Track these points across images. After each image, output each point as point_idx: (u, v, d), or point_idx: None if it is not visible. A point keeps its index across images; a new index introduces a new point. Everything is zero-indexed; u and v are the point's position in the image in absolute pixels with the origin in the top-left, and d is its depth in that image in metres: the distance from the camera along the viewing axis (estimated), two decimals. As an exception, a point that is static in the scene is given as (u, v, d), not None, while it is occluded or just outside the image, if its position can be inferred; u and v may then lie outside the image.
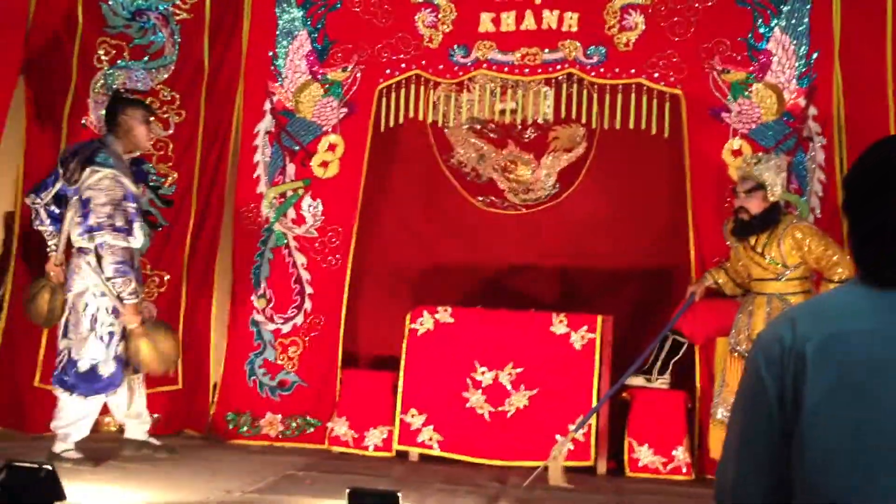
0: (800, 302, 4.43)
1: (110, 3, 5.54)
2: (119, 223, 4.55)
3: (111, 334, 4.60)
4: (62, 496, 3.32)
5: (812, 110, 5.21)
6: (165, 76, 5.59)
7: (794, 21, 5.24)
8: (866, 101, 5.11)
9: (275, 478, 4.43)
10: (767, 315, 4.59)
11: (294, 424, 5.45)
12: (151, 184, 5.44)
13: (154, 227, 5.30)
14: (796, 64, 5.24)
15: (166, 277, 5.53)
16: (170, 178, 5.57)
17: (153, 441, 4.88)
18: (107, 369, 4.59)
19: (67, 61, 5.44)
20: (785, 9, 5.25)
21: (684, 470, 4.92)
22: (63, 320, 4.66)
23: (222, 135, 5.68)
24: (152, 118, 5.02)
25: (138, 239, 4.65)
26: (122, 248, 4.57)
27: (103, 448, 4.79)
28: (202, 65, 5.65)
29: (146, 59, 5.57)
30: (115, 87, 5.46)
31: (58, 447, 4.56)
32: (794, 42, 5.24)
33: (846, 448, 1.26)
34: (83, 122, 5.47)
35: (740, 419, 1.38)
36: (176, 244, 5.55)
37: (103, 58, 5.51)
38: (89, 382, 4.57)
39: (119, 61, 5.52)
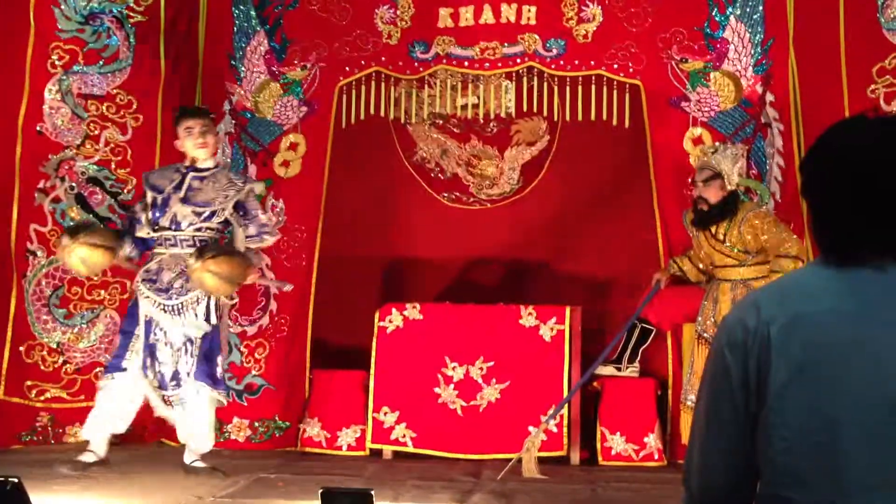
0: (762, 285, 4.49)
1: (62, 6, 5.43)
2: None
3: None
4: (30, 509, 3.26)
5: (769, 97, 5.27)
6: (121, 80, 5.49)
7: (748, 9, 5.30)
8: (821, 86, 5.18)
9: (246, 481, 4.39)
10: (732, 301, 4.64)
11: (262, 428, 5.39)
12: (111, 189, 5.36)
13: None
14: (752, 51, 5.30)
15: (129, 284, 5.43)
16: (130, 184, 5.48)
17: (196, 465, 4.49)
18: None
19: (21, 66, 5.33)
20: (739, -3, 5.31)
21: (656, 456, 4.96)
22: None
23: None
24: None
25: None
26: None
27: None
28: (158, 67, 5.57)
29: (101, 62, 5.47)
30: (69, 91, 5.37)
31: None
32: (750, 30, 5.30)
33: (813, 427, 1.28)
34: (38, 128, 5.36)
35: (705, 403, 1.39)
36: (139, 250, 5.46)
37: (57, 63, 5.40)
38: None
39: (74, 66, 5.41)
